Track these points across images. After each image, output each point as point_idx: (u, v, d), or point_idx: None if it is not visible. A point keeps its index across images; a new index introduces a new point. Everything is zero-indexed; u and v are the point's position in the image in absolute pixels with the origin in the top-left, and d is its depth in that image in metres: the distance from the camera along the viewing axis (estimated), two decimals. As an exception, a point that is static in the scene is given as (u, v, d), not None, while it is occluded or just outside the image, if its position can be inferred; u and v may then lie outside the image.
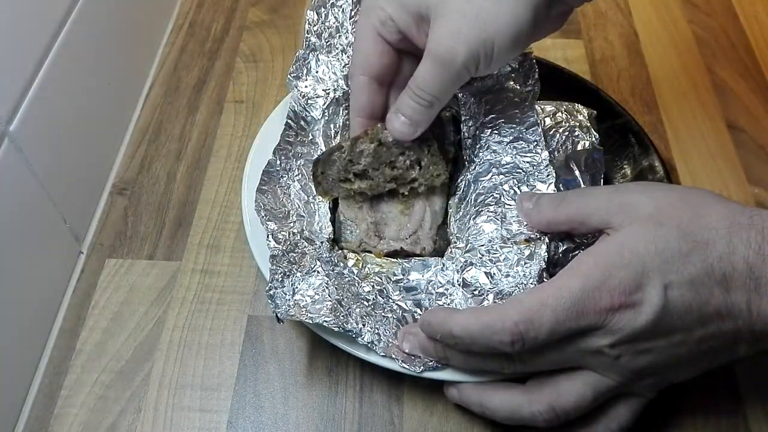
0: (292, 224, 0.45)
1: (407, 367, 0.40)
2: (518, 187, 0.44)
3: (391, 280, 0.45)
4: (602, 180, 0.49)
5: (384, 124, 0.44)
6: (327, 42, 0.53)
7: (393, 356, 0.40)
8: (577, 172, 0.48)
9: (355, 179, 0.46)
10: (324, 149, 0.50)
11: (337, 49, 0.53)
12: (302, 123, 0.50)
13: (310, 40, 0.52)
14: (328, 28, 0.53)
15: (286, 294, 0.41)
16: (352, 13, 0.53)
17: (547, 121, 0.50)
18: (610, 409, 0.38)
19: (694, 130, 0.59)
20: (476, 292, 0.41)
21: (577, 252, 0.44)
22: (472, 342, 0.36)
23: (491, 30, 0.37)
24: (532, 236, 0.42)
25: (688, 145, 0.58)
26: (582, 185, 0.47)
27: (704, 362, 0.37)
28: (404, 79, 0.45)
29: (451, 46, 0.38)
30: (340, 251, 0.46)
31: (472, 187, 0.46)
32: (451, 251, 0.45)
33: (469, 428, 0.43)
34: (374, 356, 0.41)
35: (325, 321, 0.40)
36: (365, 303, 0.43)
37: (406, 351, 0.40)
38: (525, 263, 0.41)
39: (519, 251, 0.42)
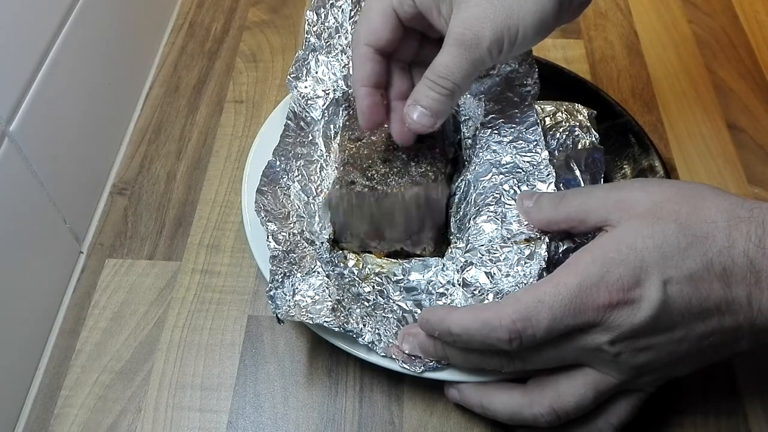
0: (292, 225, 0.45)
1: (407, 367, 0.40)
2: (518, 187, 0.44)
3: (391, 280, 0.45)
4: (603, 179, 0.49)
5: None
6: (327, 42, 0.53)
7: (393, 356, 0.41)
8: (577, 172, 0.48)
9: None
10: (324, 150, 0.50)
11: (337, 49, 0.53)
12: (302, 124, 0.50)
13: (309, 41, 0.52)
14: (328, 29, 0.53)
15: (286, 295, 0.41)
16: (352, 14, 0.53)
17: (547, 120, 0.49)
18: (610, 404, 0.38)
19: (694, 130, 0.59)
20: (476, 292, 0.41)
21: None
22: (470, 339, 0.36)
23: (516, 16, 0.38)
24: (532, 236, 0.42)
25: (688, 145, 0.58)
26: (582, 184, 0.47)
27: (705, 357, 0.37)
28: (404, 54, 0.45)
29: (477, 30, 0.38)
30: (341, 252, 0.46)
31: (472, 187, 0.46)
32: (451, 251, 0.45)
33: (469, 428, 0.43)
34: (375, 356, 0.41)
35: (326, 321, 0.40)
36: (365, 303, 0.43)
37: (406, 352, 0.40)
38: (525, 263, 0.41)
39: (519, 251, 0.42)
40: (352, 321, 0.41)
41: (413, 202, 0.44)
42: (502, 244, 0.42)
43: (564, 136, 0.48)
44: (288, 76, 0.51)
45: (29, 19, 0.44)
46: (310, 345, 0.46)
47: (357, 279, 0.44)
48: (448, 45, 0.39)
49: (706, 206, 0.35)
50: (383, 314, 0.42)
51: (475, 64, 0.39)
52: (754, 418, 0.44)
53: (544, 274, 0.40)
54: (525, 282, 0.40)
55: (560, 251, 0.44)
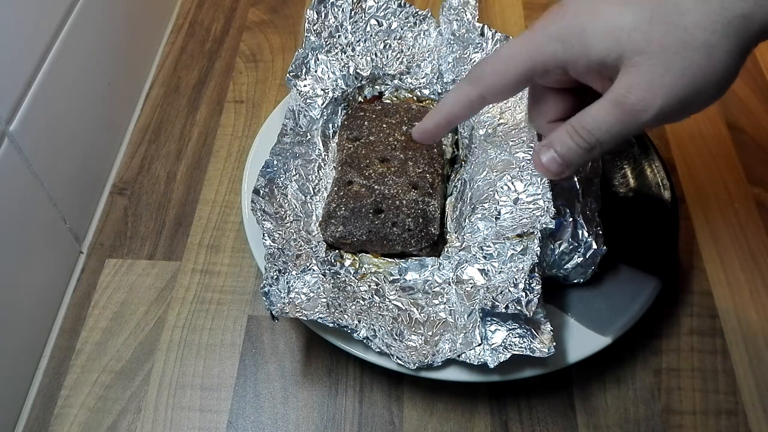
0: (288, 224, 0.45)
1: (402, 363, 0.40)
2: (512, 182, 0.44)
3: (387, 280, 0.45)
4: (600, 180, 0.49)
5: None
6: (326, 41, 0.53)
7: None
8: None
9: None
10: (322, 149, 0.50)
11: (337, 48, 0.53)
12: (301, 122, 0.50)
13: (309, 39, 0.52)
14: (328, 27, 0.53)
15: (281, 292, 0.41)
16: (352, 13, 0.53)
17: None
18: None
19: (694, 130, 0.59)
20: (470, 289, 0.41)
21: (574, 255, 0.43)
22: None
23: (696, 87, 0.33)
24: (524, 231, 0.42)
25: (688, 145, 0.58)
26: (578, 186, 0.46)
27: None
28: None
29: (647, 98, 0.34)
30: (337, 251, 0.46)
31: (468, 186, 0.46)
32: (447, 250, 0.45)
33: (468, 428, 0.43)
34: (373, 355, 0.41)
35: (320, 317, 0.40)
36: (361, 302, 0.43)
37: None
38: (518, 258, 0.41)
39: (512, 246, 0.42)
40: (347, 317, 0.41)
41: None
42: (495, 241, 0.42)
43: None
44: (287, 75, 0.51)
45: (29, 19, 0.44)
46: (309, 345, 0.46)
47: (353, 278, 0.44)
48: (607, 103, 0.35)
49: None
50: (378, 312, 0.42)
51: (628, 130, 0.35)
52: (754, 418, 0.44)
53: (536, 270, 0.40)
54: (516, 277, 0.40)
55: (556, 253, 0.43)
